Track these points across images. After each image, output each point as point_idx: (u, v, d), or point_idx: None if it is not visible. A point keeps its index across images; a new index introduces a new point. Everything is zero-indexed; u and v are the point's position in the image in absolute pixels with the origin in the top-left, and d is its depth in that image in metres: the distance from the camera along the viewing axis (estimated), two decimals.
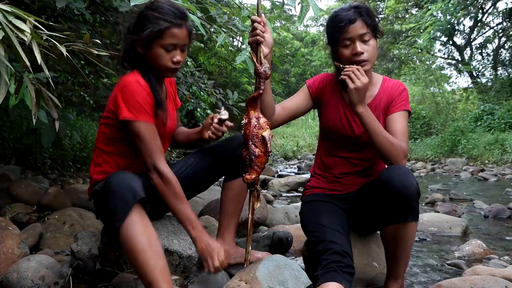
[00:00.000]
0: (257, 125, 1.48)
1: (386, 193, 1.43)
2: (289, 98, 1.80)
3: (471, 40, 15.56)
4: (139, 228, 1.32)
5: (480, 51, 15.83)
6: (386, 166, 1.57)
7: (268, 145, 1.47)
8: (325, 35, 1.72)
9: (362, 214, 1.65)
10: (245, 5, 3.03)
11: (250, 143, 1.46)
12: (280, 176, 6.60)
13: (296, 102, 1.76)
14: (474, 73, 15.16)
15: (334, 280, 1.34)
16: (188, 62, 6.13)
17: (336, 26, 1.59)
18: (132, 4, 1.71)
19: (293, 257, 2.14)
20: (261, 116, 1.50)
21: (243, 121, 1.48)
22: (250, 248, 1.57)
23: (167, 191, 1.49)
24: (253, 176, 1.48)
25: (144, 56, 1.57)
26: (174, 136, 1.83)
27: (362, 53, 1.58)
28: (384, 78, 1.74)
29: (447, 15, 13.11)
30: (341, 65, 1.59)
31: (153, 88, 1.55)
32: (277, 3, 2.55)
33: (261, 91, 1.52)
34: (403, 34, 16.05)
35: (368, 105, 1.60)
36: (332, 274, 1.37)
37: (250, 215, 1.55)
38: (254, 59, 1.54)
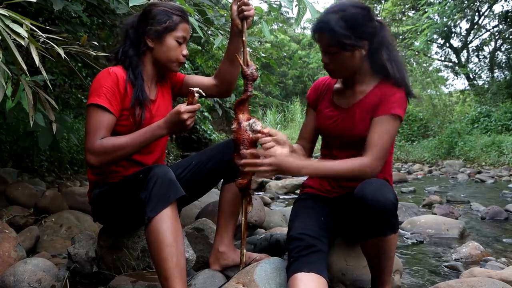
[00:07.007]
0: (248, 129, 1.48)
1: (361, 210, 1.36)
2: (302, 127, 1.77)
3: (468, 42, 15.63)
4: (171, 223, 1.32)
5: (476, 53, 15.91)
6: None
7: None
8: None
9: (345, 225, 1.61)
10: None
11: (241, 147, 1.46)
12: (278, 178, 6.58)
13: (310, 125, 1.73)
14: (471, 76, 15.21)
15: (296, 272, 1.31)
16: (186, 65, 6.14)
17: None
18: (130, 5, 1.72)
19: None
20: (250, 118, 1.50)
21: (233, 126, 1.47)
22: (245, 250, 1.58)
23: (106, 155, 1.42)
24: (245, 181, 1.48)
25: (151, 50, 1.60)
26: (216, 86, 1.78)
27: (327, 63, 1.52)
28: (383, 80, 1.55)
29: (444, 17, 13.16)
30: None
31: (137, 85, 1.55)
32: (274, 6, 2.55)
33: (249, 93, 1.52)
34: (400, 37, 16.09)
35: (357, 103, 1.56)
36: (293, 265, 1.34)
37: (243, 218, 1.56)
38: (241, 62, 1.54)
